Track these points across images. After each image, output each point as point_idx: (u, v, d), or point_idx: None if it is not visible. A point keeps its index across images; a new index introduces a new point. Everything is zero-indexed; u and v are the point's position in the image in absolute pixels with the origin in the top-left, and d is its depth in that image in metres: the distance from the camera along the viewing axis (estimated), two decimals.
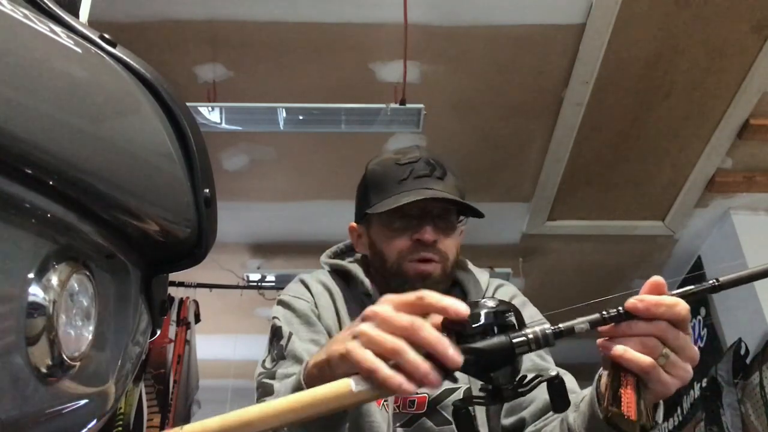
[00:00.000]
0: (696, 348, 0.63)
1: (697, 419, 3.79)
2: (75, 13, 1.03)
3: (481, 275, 1.17)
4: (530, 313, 1.12)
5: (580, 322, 0.62)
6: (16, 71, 0.42)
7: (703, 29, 2.74)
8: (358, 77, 2.94)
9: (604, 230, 3.89)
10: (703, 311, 3.97)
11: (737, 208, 3.75)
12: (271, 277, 4.36)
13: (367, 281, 1.10)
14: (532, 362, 1.01)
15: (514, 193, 3.73)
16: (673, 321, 0.61)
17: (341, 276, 1.15)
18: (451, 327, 0.60)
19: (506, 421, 1.00)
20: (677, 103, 3.09)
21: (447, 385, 1.03)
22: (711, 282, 0.63)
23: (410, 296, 0.61)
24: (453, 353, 0.56)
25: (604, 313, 0.62)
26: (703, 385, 3.75)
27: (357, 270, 1.13)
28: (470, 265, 1.19)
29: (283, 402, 0.57)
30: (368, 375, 0.57)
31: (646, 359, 0.60)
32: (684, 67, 2.91)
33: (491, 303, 0.61)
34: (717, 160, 3.42)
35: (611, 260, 4.18)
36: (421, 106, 2.71)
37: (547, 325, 0.61)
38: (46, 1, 0.57)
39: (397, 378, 0.56)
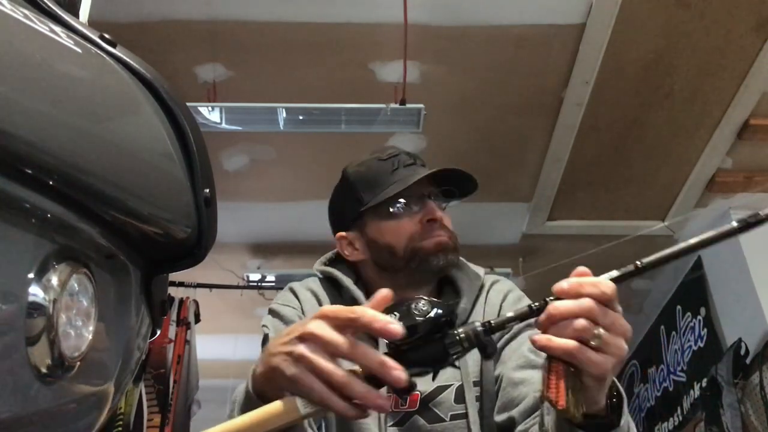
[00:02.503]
0: (627, 323, 0.63)
1: (697, 419, 3.79)
2: (75, 13, 1.03)
3: (476, 272, 1.17)
4: None
5: (510, 318, 0.63)
6: (16, 71, 0.42)
7: (703, 29, 2.74)
8: (358, 77, 2.94)
9: (604, 230, 3.88)
10: (703, 311, 3.97)
11: (737, 208, 3.75)
12: (271, 277, 4.36)
13: (353, 287, 1.11)
14: (525, 358, 1.01)
15: (514, 193, 3.73)
16: (599, 299, 0.61)
17: (331, 283, 1.15)
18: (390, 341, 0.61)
19: (498, 419, 1.00)
20: (677, 103, 3.09)
21: (439, 382, 1.03)
22: (634, 264, 0.64)
23: (345, 314, 0.62)
24: (397, 375, 0.58)
25: (531, 305, 0.63)
26: (703, 385, 3.76)
27: (343, 277, 1.13)
28: (464, 261, 1.20)
29: (231, 425, 0.61)
30: (319, 402, 0.60)
31: (569, 342, 0.60)
32: (684, 66, 2.91)
33: (424, 307, 0.61)
34: (717, 160, 3.42)
35: (611, 260, 4.16)
36: (421, 106, 2.71)
37: (478, 324, 0.62)
38: (46, 1, 0.57)
39: (351, 411, 0.59)
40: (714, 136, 3.26)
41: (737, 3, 2.63)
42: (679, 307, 4.22)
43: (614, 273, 0.64)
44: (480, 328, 0.62)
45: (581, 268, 0.64)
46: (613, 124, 3.22)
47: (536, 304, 0.63)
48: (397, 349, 0.61)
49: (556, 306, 0.62)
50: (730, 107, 3.09)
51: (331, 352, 0.60)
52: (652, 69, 2.92)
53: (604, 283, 0.63)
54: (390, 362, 0.59)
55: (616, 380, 0.67)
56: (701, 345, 3.96)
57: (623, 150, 3.37)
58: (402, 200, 1.10)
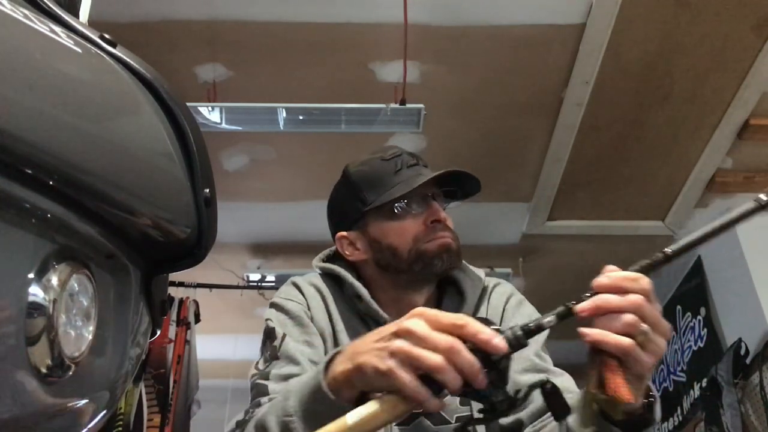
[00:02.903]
0: (667, 323, 0.63)
1: (697, 419, 3.79)
2: (75, 13, 1.03)
3: (477, 274, 1.17)
4: (527, 312, 1.12)
5: (548, 316, 0.63)
6: (17, 71, 0.42)
7: (703, 29, 2.74)
8: (358, 77, 2.94)
9: (604, 230, 3.89)
10: (703, 311, 3.97)
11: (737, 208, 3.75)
12: (271, 277, 4.36)
13: (357, 283, 1.11)
14: (530, 362, 1.01)
15: (514, 193, 3.73)
16: (643, 294, 0.61)
17: (332, 279, 1.15)
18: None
19: (503, 422, 1.00)
20: (677, 103, 3.09)
21: None
22: (662, 252, 0.63)
23: (449, 318, 0.62)
24: (482, 378, 0.59)
25: (569, 304, 0.63)
26: (703, 385, 3.75)
27: (346, 273, 1.13)
28: (465, 264, 1.19)
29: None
30: (411, 398, 0.60)
31: (626, 340, 0.60)
32: (684, 67, 2.91)
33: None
34: (717, 160, 3.42)
35: (611, 260, 4.15)
36: (421, 106, 2.71)
37: (517, 327, 0.62)
38: (46, 1, 0.57)
39: (437, 403, 0.61)
40: (714, 136, 3.26)
41: (737, 3, 2.63)
42: (679, 307, 4.22)
43: (644, 262, 0.64)
44: (520, 332, 0.62)
45: (610, 267, 0.64)
46: (613, 124, 3.22)
47: (572, 303, 0.63)
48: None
49: (606, 299, 0.61)
50: (730, 107, 3.09)
51: (430, 346, 0.60)
52: (652, 69, 2.92)
53: (644, 279, 0.62)
54: (479, 365, 0.59)
55: None
56: (701, 345, 3.96)
57: (623, 150, 3.37)
58: (406, 201, 1.10)
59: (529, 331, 0.62)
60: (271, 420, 0.80)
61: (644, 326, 0.60)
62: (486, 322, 0.62)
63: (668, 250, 0.63)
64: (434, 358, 0.59)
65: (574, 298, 0.64)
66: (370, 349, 0.65)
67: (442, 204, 1.14)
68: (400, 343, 0.62)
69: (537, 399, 0.95)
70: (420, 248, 1.08)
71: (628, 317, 0.60)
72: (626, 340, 0.60)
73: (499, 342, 0.60)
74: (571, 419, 0.79)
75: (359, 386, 0.66)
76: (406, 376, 0.60)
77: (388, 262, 1.11)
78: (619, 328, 0.60)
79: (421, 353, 0.60)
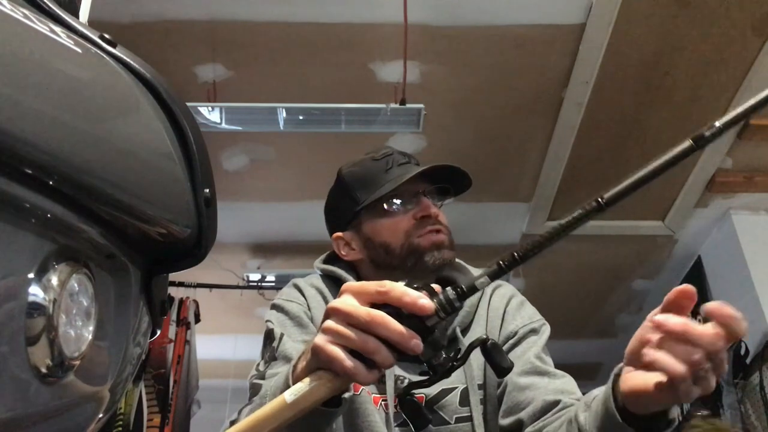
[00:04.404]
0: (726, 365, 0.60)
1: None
2: (75, 13, 1.03)
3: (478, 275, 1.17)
4: (528, 313, 1.12)
5: (480, 276, 0.62)
6: (16, 71, 0.42)
7: (703, 29, 2.74)
8: (358, 77, 2.94)
9: (604, 230, 3.89)
10: (703, 311, 3.97)
11: (737, 208, 3.75)
12: (271, 277, 4.36)
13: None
14: (531, 364, 1.01)
15: (514, 193, 3.73)
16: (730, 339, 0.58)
17: (333, 280, 1.16)
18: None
19: (504, 422, 1.00)
20: (677, 102, 3.09)
21: (444, 385, 1.03)
22: (594, 200, 0.62)
23: (371, 287, 0.63)
24: (416, 343, 0.60)
25: (500, 262, 0.62)
26: None
27: (346, 274, 1.13)
28: (465, 266, 1.20)
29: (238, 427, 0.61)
30: (341, 370, 0.61)
31: (683, 369, 0.58)
32: (684, 66, 2.91)
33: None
34: (717, 160, 3.43)
35: (611, 260, 4.18)
36: (421, 106, 2.71)
37: (451, 289, 0.62)
38: (46, 1, 0.57)
39: (370, 375, 0.61)
40: None
41: (737, 3, 2.63)
42: None
43: (576, 212, 0.61)
44: (452, 295, 0.61)
45: (687, 287, 0.62)
46: (613, 124, 3.22)
47: (506, 261, 0.61)
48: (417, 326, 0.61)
49: (701, 334, 0.58)
50: (730, 107, 3.09)
51: (352, 323, 0.61)
52: (652, 69, 2.92)
53: (742, 323, 0.58)
54: (410, 332, 0.60)
55: None
56: None
57: (623, 150, 3.37)
58: (396, 198, 1.11)
59: (463, 293, 0.62)
60: None
61: (708, 366, 0.58)
62: (420, 287, 0.62)
63: (600, 198, 0.62)
64: (357, 337, 0.60)
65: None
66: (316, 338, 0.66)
67: (436, 201, 1.15)
68: (329, 323, 0.63)
69: (537, 399, 0.95)
70: (412, 243, 1.09)
71: (700, 356, 0.57)
72: (683, 369, 0.58)
73: (425, 303, 0.60)
74: (583, 418, 0.78)
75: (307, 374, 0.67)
76: (334, 352, 0.61)
77: (382, 260, 1.12)
78: (688, 359, 0.58)
79: (345, 331, 0.61)
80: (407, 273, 1.10)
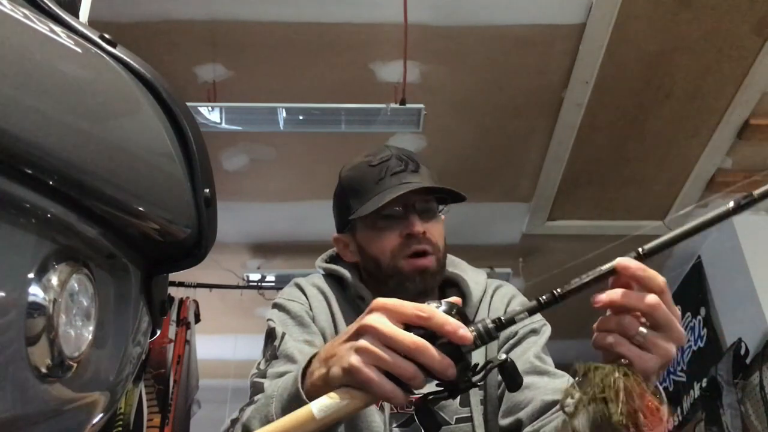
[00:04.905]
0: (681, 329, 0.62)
1: (697, 419, 3.79)
2: (75, 13, 1.03)
3: (478, 276, 1.17)
4: None
5: (519, 312, 0.63)
6: (16, 71, 0.42)
7: (702, 29, 2.74)
8: (358, 77, 2.94)
9: (604, 230, 3.89)
10: (703, 311, 3.97)
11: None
12: (271, 277, 4.36)
13: (360, 285, 1.11)
14: (530, 364, 1.01)
15: (514, 193, 3.73)
16: (657, 291, 0.60)
17: (335, 280, 1.15)
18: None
19: (503, 422, 1.00)
20: (677, 102, 3.09)
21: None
22: (635, 251, 0.62)
23: (409, 309, 0.62)
24: (451, 372, 0.60)
25: (541, 298, 0.62)
26: (703, 385, 3.75)
27: (349, 274, 1.13)
28: (466, 265, 1.19)
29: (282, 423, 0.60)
30: (380, 394, 0.60)
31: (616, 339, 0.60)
32: (684, 67, 2.91)
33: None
34: (717, 160, 3.42)
35: (611, 260, 4.16)
36: (421, 106, 2.71)
37: (488, 320, 0.62)
38: (46, 1, 0.57)
39: (402, 397, 0.60)
40: (714, 136, 3.26)
41: (737, 3, 2.63)
42: (679, 307, 4.20)
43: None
44: (491, 325, 0.62)
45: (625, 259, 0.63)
46: (613, 124, 3.22)
47: (545, 297, 0.62)
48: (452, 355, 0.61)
49: (626, 296, 0.60)
50: (730, 107, 3.09)
51: (392, 346, 0.60)
52: (652, 69, 2.92)
53: (659, 276, 0.61)
54: (447, 359, 0.59)
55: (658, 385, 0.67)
56: (701, 345, 3.96)
57: (623, 150, 3.37)
58: (384, 213, 1.08)
59: (500, 325, 0.62)
60: (254, 424, 0.82)
61: (643, 330, 0.60)
62: (460, 314, 0.62)
63: (641, 249, 0.62)
64: (397, 363, 0.59)
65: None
66: (338, 350, 0.65)
67: (431, 211, 1.11)
68: (364, 342, 0.62)
69: (536, 399, 0.95)
70: (396, 265, 1.07)
71: (625, 320, 0.60)
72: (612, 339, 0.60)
73: (465, 333, 0.60)
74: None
75: (335, 387, 0.65)
76: (371, 374, 0.60)
77: (373, 271, 1.12)
78: (614, 327, 0.60)
79: (384, 356, 0.60)
80: (393, 292, 1.09)
